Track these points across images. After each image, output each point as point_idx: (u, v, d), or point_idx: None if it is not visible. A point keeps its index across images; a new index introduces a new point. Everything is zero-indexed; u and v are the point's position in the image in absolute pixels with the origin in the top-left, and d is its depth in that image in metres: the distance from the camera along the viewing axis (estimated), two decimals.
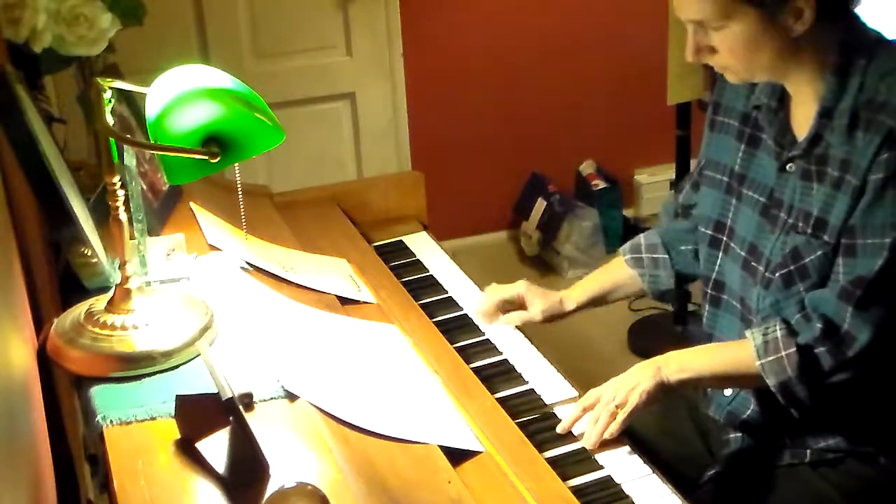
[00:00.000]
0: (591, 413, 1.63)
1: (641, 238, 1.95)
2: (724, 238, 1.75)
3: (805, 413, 1.62)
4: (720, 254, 1.77)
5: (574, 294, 1.93)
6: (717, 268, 1.77)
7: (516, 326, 1.89)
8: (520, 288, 1.90)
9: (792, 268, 1.60)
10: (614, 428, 1.60)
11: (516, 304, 1.90)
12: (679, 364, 1.66)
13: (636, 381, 1.64)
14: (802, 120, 1.62)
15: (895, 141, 1.48)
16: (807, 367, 1.57)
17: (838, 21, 1.57)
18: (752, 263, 1.69)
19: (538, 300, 1.89)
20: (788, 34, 1.54)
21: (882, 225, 1.51)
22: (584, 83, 3.96)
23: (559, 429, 1.63)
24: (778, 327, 1.60)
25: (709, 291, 1.80)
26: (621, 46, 3.92)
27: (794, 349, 1.57)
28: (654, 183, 4.13)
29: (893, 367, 1.62)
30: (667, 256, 1.90)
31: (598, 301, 1.95)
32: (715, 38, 1.57)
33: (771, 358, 1.59)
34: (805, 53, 1.57)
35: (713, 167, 1.79)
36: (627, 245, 1.96)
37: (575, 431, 1.63)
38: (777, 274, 1.62)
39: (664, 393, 1.65)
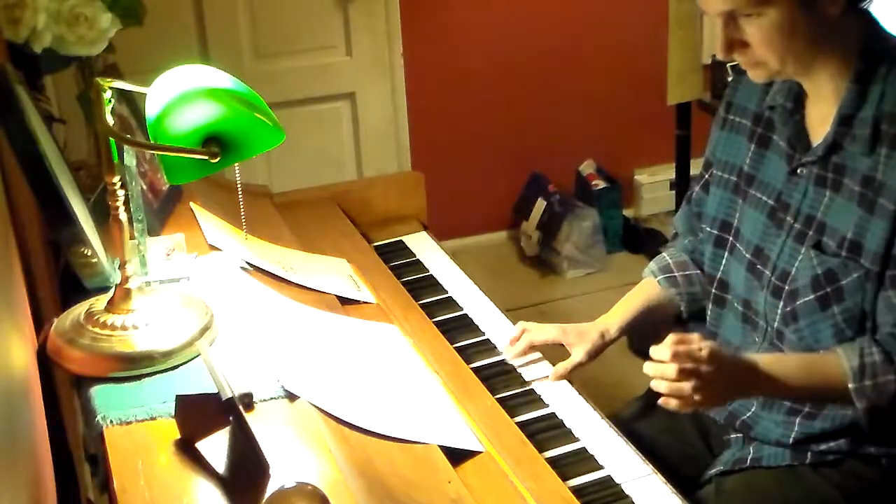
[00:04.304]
0: (670, 383, 1.49)
1: (667, 257, 1.91)
2: (731, 238, 1.75)
3: (871, 426, 1.59)
4: (725, 254, 1.76)
5: (611, 321, 1.85)
6: (722, 267, 1.77)
7: (538, 348, 1.84)
8: (554, 334, 1.81)
9: (829, 290, 1.57)
10: (672, 405, 1.49)
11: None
12: (770, 387, 1.56)
13: (724, 393, 1.54)
14: (818, 123, 1.61)
15: None
16: None
17: (862, 16, 1.56)
18: (758, 266, 1.68)
19: (578, 343, 1.81)
20: (821, 19, 1.51)
21: None
22: (584, 83, 3.96)
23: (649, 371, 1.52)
24: (875, 350, 1.54)
25: (713, 291, 1.79)
26: (621, 47, 3.92)
27: (892, 377, 1.53)
28: (654, 183, 4.13)
29: None
30: (698, 272, 1.87)
31: (636, 325, 1.87)
32: (748, 29, 1.53)
33: (867, 383, 1.54)
34: (831, 48, 1.55)
35: (722, 166, 1.78)
36: (655, 266, 1.90)
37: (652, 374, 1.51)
38: (813, 296, 1.59)
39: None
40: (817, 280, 1.59)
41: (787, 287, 1.63)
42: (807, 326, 1.61)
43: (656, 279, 1.89)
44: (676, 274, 1.88)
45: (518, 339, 1.81)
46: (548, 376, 1.76)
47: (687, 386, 1.47)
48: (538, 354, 1.82)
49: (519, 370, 1.78)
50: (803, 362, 1.61)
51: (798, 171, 1.63)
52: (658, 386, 1.50)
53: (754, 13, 1.51)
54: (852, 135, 1.55)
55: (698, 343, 1.50)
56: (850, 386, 1.54)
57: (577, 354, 1.80)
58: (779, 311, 1.65)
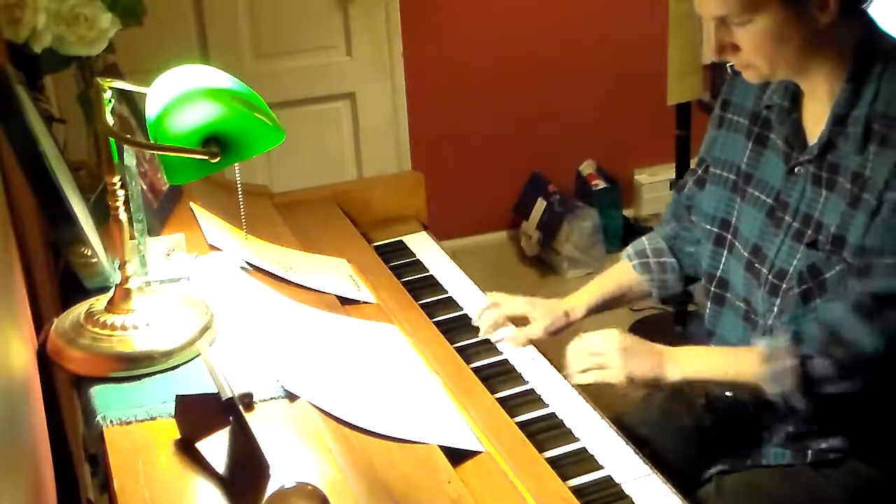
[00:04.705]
0: (578, 361, 1.67)
1: (645, 242, 1.94)
2: (730, 237, 1.75)
3: (808, 420, 1.63)
4: (725, 252, 1.76)
5: (579, 302, 1.90)
6: (721, 266, 1.77)
7: (510, 320, 1.89)
8: (522, 308, 1.87)
9: (812, 283, 1.59)
10: (580, 380, 1.66)
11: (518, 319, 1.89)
12: (682, 364, 1.65)
13: (633, 359, 1.64)
14: (814, 122, 1.62)
15: None
16: (806, 378, 1.56)
17: (859, 17, 1.56)
18: (756, 265, 1.68)
19: (541, 317, 1.86)
20: (813, 27, 1.52)
21: None
22: (585, 83, 3.96)
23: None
24: (786, 337, 1.59)
25: (712, 289, 1.79)
26: (621, 46, 3.92)
27: (797, 360, 1.56)
28: (654, 183, 4.13)
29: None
30: (674, 260, 1.90)
31: (605, 307, 1.93)
32: (738, 34, 1.54)
33: (773, 367, 1.58)
34: (826, 50, 1.55)
35: (720, 165, 1.78)
36: (631, 250, 1.94)
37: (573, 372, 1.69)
38: (797, 289, 1.61)
39: (653, 387, 1.69)
40: (802, 274, 1.60)
41: (783, 286, 1.63)
42: (790, 320, 1.62)
43: (631, 263, 1.93)
44: (651, 260, 1.91)
45: (488, 312, 1.87)
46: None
47: (588, 360, 1.66)
48: (513, 328, 1.87)
49: (518, 370, 1.78)
50: (720, 349, 1.72)
51: (795, 169, 1.63)
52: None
53: (745, 20, 1.52)
54: (846, 134, 1.55)
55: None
56: (758, 371, 1.58)
57: (535, 328, 1.85)
58: (775, 309, 1.65)
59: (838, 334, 1.54)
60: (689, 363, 1.66)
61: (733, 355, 1.68)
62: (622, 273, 1.95)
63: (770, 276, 1.65)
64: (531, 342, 1.84)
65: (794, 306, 1.61)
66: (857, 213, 1.53)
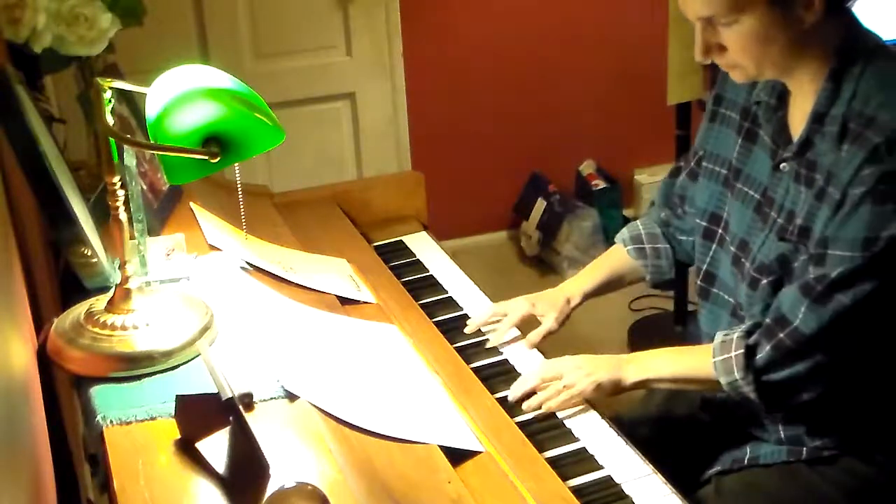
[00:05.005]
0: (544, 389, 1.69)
1: (640, 227, 1.95)
2: (720, 231, 1.76)
3: (767, 410, 1.66)
4: (714, 245, 1.78)
5: (576, 288, 1.93)
6: (709, 259, 1.78)
7: (517, 326, 1.89)
8: (525, 308, 1.88)
9: (781, 274, 1.61)
10: (553, 404, 1.66)
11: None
12: (639, 365, 1.70)
13: (593, 369, 1.69)
14: (799, 120, 1.62)
15: (878, 156, 1.47)
16: (751, 366, 1.59)
17: (843, 16, 1.57)
18: (742, 259, 1.69)
19: (549, 311, 1.88)
20: (798, 26, 1.52)
21: (853, 238, 1.49)
22: (584, 83, 3.96)
23: (510, 397, 1.69)
24: (741, 328, 1.62)
25: (698, 283, 1.81)
26: (621, 46, 3.92)
27: (742, 350, 1.59)
28: (654, 183, 4.12)
29: (885, 368, 1.62)
30: (668, 246, 1.92)
31: (600, 291, 1.96)
32: (724, 34, 1.55)
33: (722, 357, 1.61)
34: (811, 50, 1.56)
35: (713, 160, 1.79)
36: (626, 234, 1.96)
37: (525, 406, 1.68)
38: (766, 280, 1.62)
39: (617, 390, 1.70)
40: (772, 265, 1.62)
41: (763, 280, 1.64)
42: (760, 312, 1.63)
43: (626, 248, 1.94)
44: (646, 246, 1.93)
45: (492, 322, 1.88)
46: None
47: (555, 384, 1.67)
48: (517, 332, 1.88)
49: (518, 370, 1.78)
50: (680, 349, 1.75)
51: (780, 166, 1.64)
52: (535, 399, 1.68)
53: (731, 20, 1.52)
54: (823, 132, 1.56)
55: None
56: (710, 363, 1.62)
57: (548, 322, 1.88)
58: (754, 303, 1.66)
59: (783, 316, 1.56)
60: (647, 364, 1.70)
61: (690, 352, 1.72)
62: (617, 258, 1.97)
63: (751, 271, 1.66)
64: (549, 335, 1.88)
65: (765, 297, 1.62)
66: (823, 205, 1.54)
